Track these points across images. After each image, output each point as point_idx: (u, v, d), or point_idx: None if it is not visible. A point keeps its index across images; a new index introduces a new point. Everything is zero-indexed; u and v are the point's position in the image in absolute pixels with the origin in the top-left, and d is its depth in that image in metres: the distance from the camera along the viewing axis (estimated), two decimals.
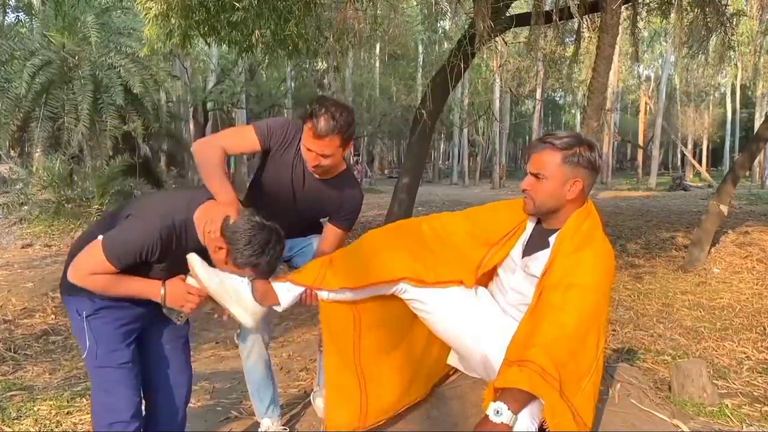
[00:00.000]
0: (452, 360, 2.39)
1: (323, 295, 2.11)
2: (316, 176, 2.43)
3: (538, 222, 2.14)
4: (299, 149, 2.43)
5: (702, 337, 4.79)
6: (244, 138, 2.45)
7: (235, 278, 2.10)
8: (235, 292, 2.09)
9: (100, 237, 1.96)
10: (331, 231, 2.57)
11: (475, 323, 2.14)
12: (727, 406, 3.35)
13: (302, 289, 2.12)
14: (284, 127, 2.48)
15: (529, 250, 2.11)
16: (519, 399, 1.72)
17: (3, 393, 3.55)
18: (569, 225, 2.00)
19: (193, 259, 2.04)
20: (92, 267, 1.97)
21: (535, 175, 2.01)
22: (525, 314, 1.97)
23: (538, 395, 1.72)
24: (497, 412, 1.70)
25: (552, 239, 2.04)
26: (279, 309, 2.17)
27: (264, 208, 2.39)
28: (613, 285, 2.00)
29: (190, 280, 2.04)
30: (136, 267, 2.00)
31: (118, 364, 2.09)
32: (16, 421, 3.16)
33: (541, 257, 2.04)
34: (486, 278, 2.26)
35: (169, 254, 2.01)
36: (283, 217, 2.49)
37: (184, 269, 2.06)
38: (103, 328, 2.09)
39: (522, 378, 1.73)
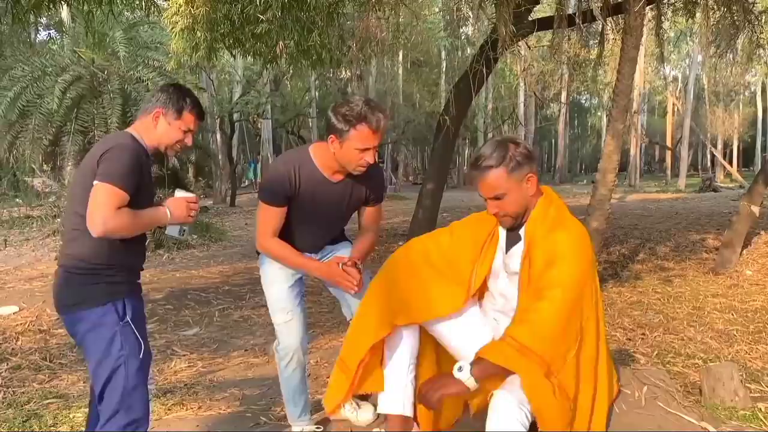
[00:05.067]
0: None
1: None
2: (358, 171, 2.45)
3: None
4: (311, 166, 2.48)
5: (734, 341, 4.71)
6: (271, 215, 2.52)
7: None
8: None
9: (96, 182, 2.02)
10: (369, 211, 2.68)
11: (478, 339, 2.18)
12: (761, 409, 3.29)
13: None
14: (285, 169, 2.49)
15: (507, 249, 2.18)
16: (486, 369, 1.84)
17: (39, 401, 3.64)
18: (536, 213, 2.09)
19: None
20: (112, 203, 2.01)
21: (495, 198, 2.08)
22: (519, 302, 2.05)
23: (511, 368, 1.80)
24: (460, 368, 1.84)
25: (522, 231, 2.12)
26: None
27: (299, 235, 2.57)
28: (592, 262, 2.04)
29: (179, 193, 2.24)
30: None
31: (146, 362, 2.20)
32: (52, 428, 3.25)
33: (516, 251, 2.12)
34: (483, 290, 2.32)
35: (143, 171, 2.16)
36: (317, 232, 2.58)
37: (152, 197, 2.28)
38: (139, 326, 2.18)
39: (496, 352, 1.84)
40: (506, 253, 2.16)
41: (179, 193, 2.23)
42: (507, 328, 1.91)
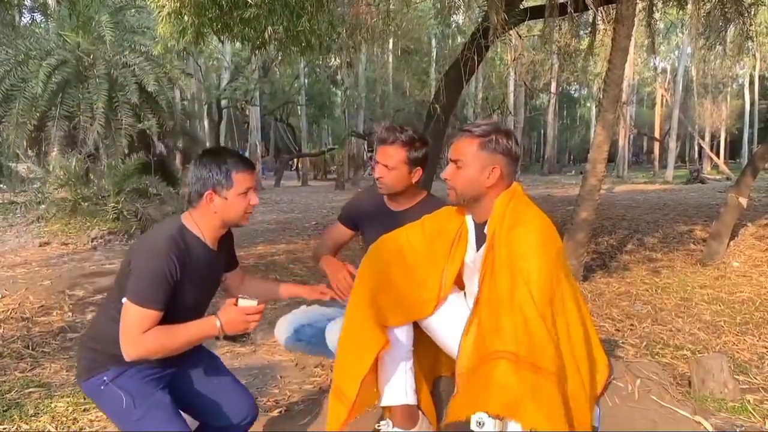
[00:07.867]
0: None
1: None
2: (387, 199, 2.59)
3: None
4: (380, 198, 2.62)
5: (722, 332, 4.72)
6: (336, 229, 2.79)
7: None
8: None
9: (124, 300, 1.89)
10: None
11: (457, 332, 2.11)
12: (749, 401, 3.29)
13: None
14: (359, 197, 2.78)
15: (478, 248, 2.12)
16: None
17: (21, 390, 3.58)
18: (496, 210, 2.02)
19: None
20: (138, 325, 1.88)
21: (455, 162, 2.05)
22: (474, 307, 1.97)
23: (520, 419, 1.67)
24: (479, 423, 1.69)
25: (486, 229, 2.05)
26: None
27: None
28: (554, 256, 1.94)
29: (242, 302, 1.95)
30: (170, 312, 1.95)
31: (160, 405, 2.01)
32: (33, 417, 3.19)
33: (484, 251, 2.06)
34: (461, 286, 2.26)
35: (187, 270, 1.97)
36: None
37: (207, 293, 2.14)
38: (131, 381, 2.00)
39: (505, 400, 1.68)
40: (477, 251, 2.11)
41: (243, 302, 1.94)
42: (489, 343, 1.80)
